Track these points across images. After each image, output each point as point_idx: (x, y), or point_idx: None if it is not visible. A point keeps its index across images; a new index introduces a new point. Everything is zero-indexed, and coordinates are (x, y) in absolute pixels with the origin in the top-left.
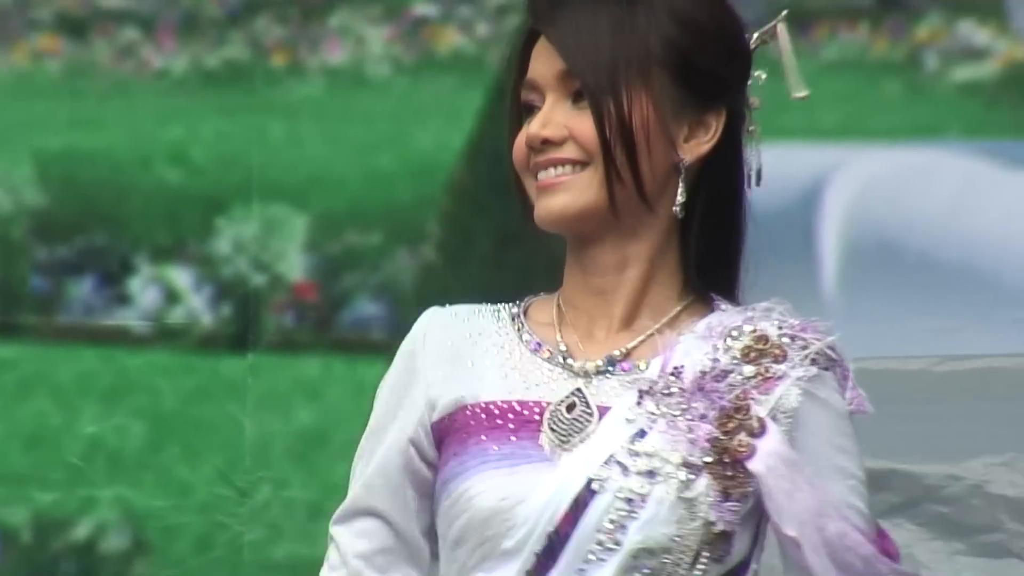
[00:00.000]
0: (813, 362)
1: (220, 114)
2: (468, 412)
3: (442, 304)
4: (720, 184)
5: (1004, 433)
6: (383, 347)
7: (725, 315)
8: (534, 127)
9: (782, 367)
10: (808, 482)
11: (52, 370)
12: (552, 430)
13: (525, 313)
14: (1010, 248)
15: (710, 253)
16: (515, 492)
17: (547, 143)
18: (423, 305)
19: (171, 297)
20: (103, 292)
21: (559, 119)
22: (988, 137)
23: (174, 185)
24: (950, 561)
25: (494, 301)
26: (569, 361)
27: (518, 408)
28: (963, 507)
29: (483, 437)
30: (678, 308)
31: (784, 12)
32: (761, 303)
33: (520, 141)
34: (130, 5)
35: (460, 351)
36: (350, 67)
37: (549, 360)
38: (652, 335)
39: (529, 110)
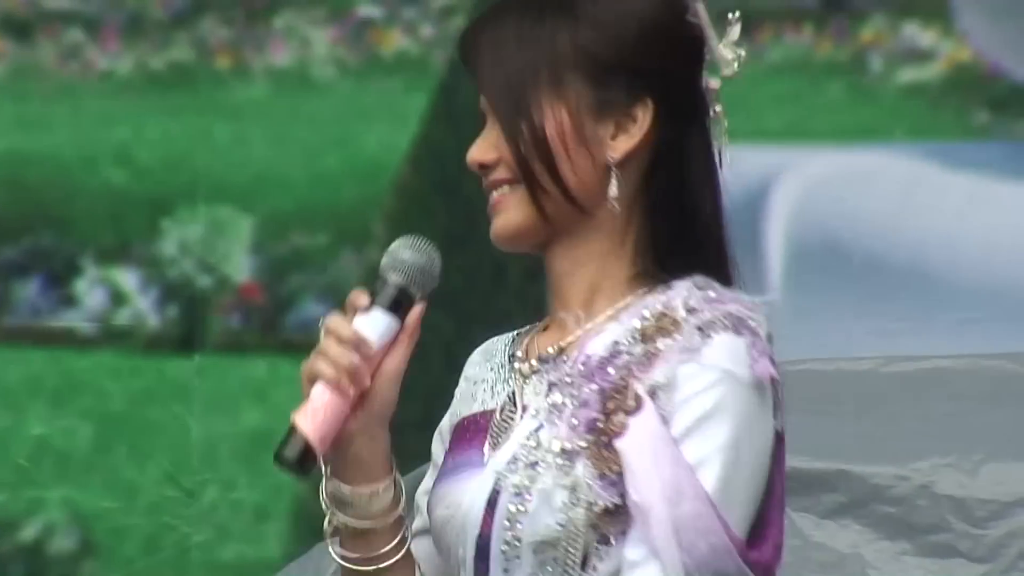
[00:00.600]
0: (700, 330)
1: (165, 115)
2: (457, 429)
3: None
4: (672, 171)
5: (951, 434)
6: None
7: (654, 297)
8: (471, 151)
9: (669, 341)
10: (674, 459)
11: None
12: (491, 435)
13: (545, 328)
14: (956, 249)
15: (677, 239)
16: (455, 500)
17: (483, 167)
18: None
19: (117, 299)
20: (49, 293)
21: (491, 141)
22: (933, 139)
23: (120, 186)
24: (897, 561)
25: (437, 302)
26: (515, 364)
27: (479, 419)
28: (910, 507)
29: (449, 452)
30: (628, 299)
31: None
32: (687, 279)
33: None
34: (74, 6)
35: (474, 376)
36: (295, 69)
37: (511, 366)
38: (586, 330)
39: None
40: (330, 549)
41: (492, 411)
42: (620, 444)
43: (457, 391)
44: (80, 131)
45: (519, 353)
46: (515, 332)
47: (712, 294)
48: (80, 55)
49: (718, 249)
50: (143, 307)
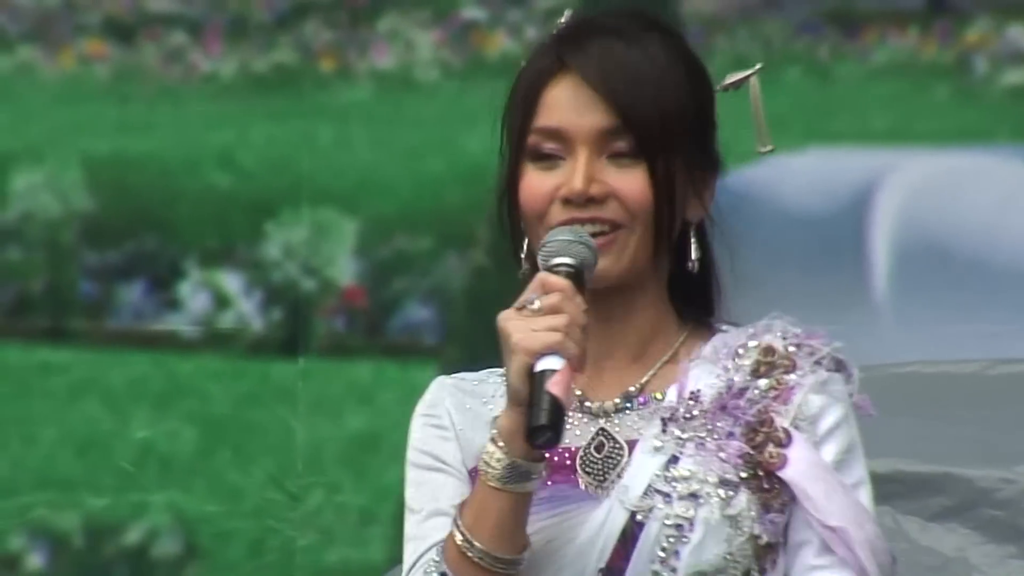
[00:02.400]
0: (820, 365)
1: (269, 118)
2: None
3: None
4: (704, 232)
5: None
6: (434, 351)
7: (728, 336)
8: (579, 182)
9: (794, 376)
10: (842, 485)
11: (103, 375)
12: (587, 472)
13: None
14: None
15: (697, 286)
16: (560, 534)
17: (591, 200)
18: (473, 309)
19: (221, 302)
20: (153, 297)
21: (601, 176)
22: None
23: (223, 190)
24: (1003, 564)
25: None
26: (587, 404)
27: (547, 455)
28: (1016, 510)
29: None
30: (680, 339)
31: (759, 65)
32: (760, 321)
33: (540, 187)
34: (177, 9)
35: (478, 412)
36: (399, 71)
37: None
38: (660, 368)
39: (543, 157)
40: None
41: (565, 448)
42: (787, 475)
43: (457, 426)
44: (183, 134)
45: (576, 391)
46: (500, 372)
47: (798, 331)
48: (183, 58)
49: (710, 292)
50: (247, 310)
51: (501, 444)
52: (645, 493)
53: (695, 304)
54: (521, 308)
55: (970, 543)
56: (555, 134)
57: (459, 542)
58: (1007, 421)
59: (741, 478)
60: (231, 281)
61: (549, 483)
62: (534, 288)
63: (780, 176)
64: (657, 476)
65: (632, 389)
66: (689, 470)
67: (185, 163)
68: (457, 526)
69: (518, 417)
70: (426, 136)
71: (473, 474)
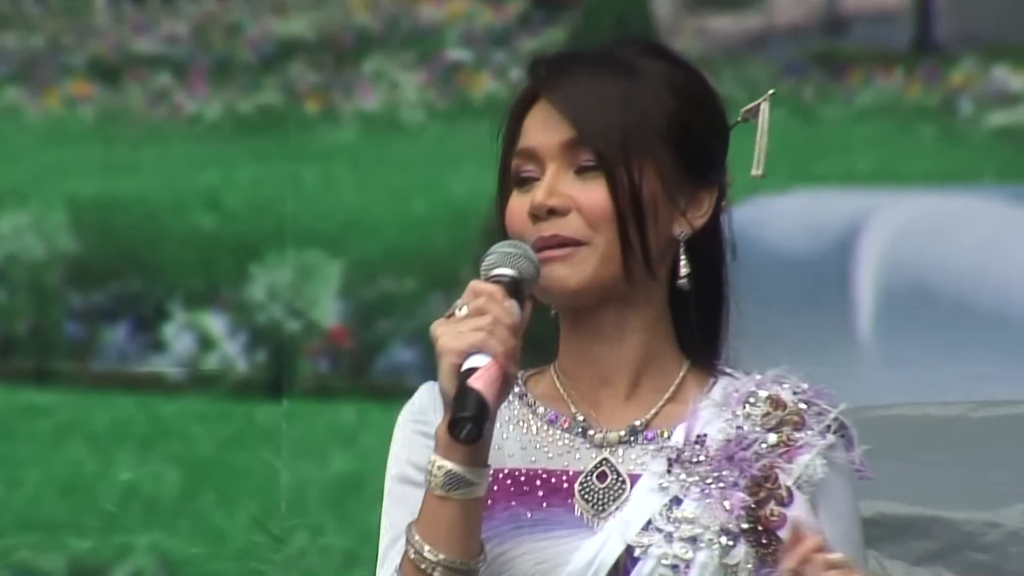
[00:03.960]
0: (828, 428)
1: (254, 160)
2: (491, 478)
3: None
4: (707, 256)
5: None
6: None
7: (738, 381)
8: (540, 196)
9: (802, 435)
10: (833, 549)
11: (87, 417)
12: (585, 500)
13: (527, 388)
14: None
15: (700, 319)
16: (552, 557)
17: (553, 213)
18: None
19: (205, 343)
20: (137, 338)
21: (563, 189)
22: (1023, 182)
23: (208, 231)
24: None
25: (530, 346)
26: (590, 432)
27: (545, 476)
28: (1002, 555)
29: (512, 503)
30: (680, 375)
31: (771, 91)
32: (770, 370)
33: (519, 209)
34: (162, 50)
35: None
36: (384, 112)
37: (568, 431)
38: (665, 404)
39: (523, 181)
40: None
41: (563, 471)
42: (787, 536)
43: (437, 420)
44: (168, 175)
45: (578, 416)
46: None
47: (805, 386)
48: (168, 99)
49: (720, 338)
50: (231, 352)
51: (440, 452)
52: (644, 529)
53: (698, 337)
54: (450, 315)
55: None
56: (529, 154)
57: (412, 557)
58: (992, 464)
59: (741, 529)
60: (216, 323)
61: (544, 504)
62: (465, 296)
63: (765, 217)
64: (659, 515)
65: (638, 423)
66: (692, 513)
67: (170, 204)
68: (410, 541)
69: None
70: (411, 177)
71: None
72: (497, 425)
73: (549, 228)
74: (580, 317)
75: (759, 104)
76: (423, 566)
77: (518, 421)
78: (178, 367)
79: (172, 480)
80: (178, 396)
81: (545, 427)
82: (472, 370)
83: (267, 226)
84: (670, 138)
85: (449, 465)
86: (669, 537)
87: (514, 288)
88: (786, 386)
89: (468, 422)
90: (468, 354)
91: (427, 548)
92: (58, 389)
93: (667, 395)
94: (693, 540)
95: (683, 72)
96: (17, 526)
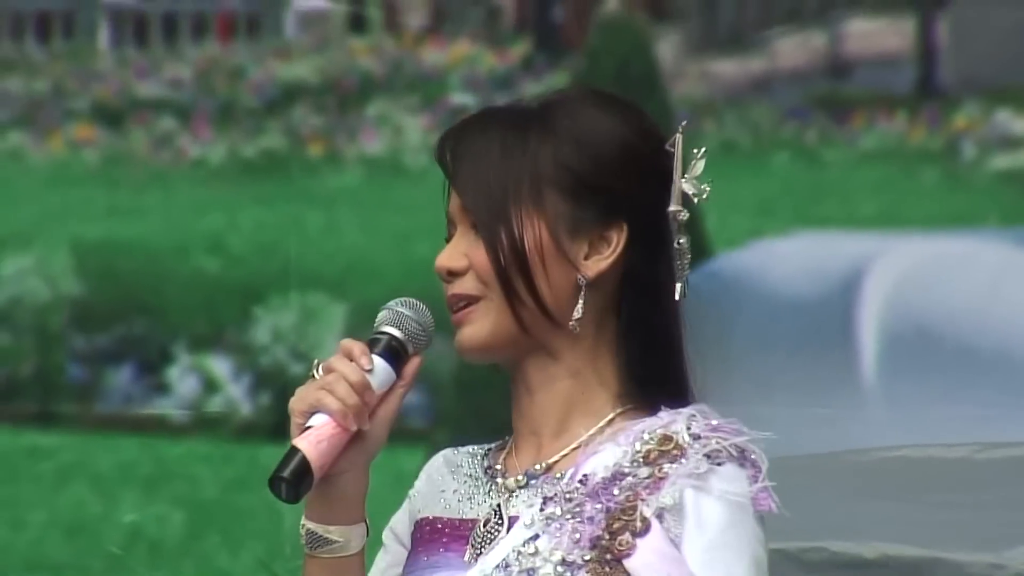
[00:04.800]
0: (708, 457)
1: (258, 203)
2: (419, 526)
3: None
4: (641, 296)
5: None
6: (422, 435)
7: (652, 420)
8: (440, 258)
9: (674, 466)
10: (689, 574)
11: (91, 459)
12: (472, 545)
13: (505, 443)
14: None
15: (650, 362)
16: None
17: (452, 273)
18: (462, 393)
19: (210, 386)
20: (141, 381)
21: (461, 249)
22: None
23: (212, 274)
24: None
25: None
26: (498, 480)
27: (456, 523)
28: None
29: (419, 549)
30: (610, 416)
31: (684, 122)
32: (688, 407)
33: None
34: (166, 94)
35: (439, 482)
36: (387, 156)
37: (491, 479)
38: (576, 448)
39: (448, 243)
40: None
41: (472, 520)
42: (631, 564)
43: (414, 492)
44: (172, 219)
45: (498, 466)
46: (481, 447)
47: (714, 422)
48: (172, 143)
49: (674, 376)
50: (235, 394)
51: (305, 512)
52: (496, 566)
53: (657, 386)
54: (311, 376)
55: None
56: (448, 217)
57: None
58: (996, 505)
59: (584, 560)
60: (220, 365)
61: (441, 549)
62: (347, 347)
63: (768, 260)
64: (513, 550)
65: (537, 467)
66: (537, 547)
67: (174, 247)
68: None
69: None
70: (415, 221)
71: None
72: (450, 478)
73: (451, 288)
74: (512, 372)
75: (675, 137)
76: None
77: (470, 474)
78: (182, 409)
79: (177, 522)
80: (182, 438)
81: (481, 477)
82: (307, 429)
83: (271, 269)
84: (560, 185)
85: (309, 524)
86: (508, 569)
87: (389, 348)
88: (684, 422)
89: (282, 482)
90: (310, 413)
91: None
92: (62, 431)
93: (583, 439)
94: (531, 571)
95: (591, 114)
96: (22, 568)
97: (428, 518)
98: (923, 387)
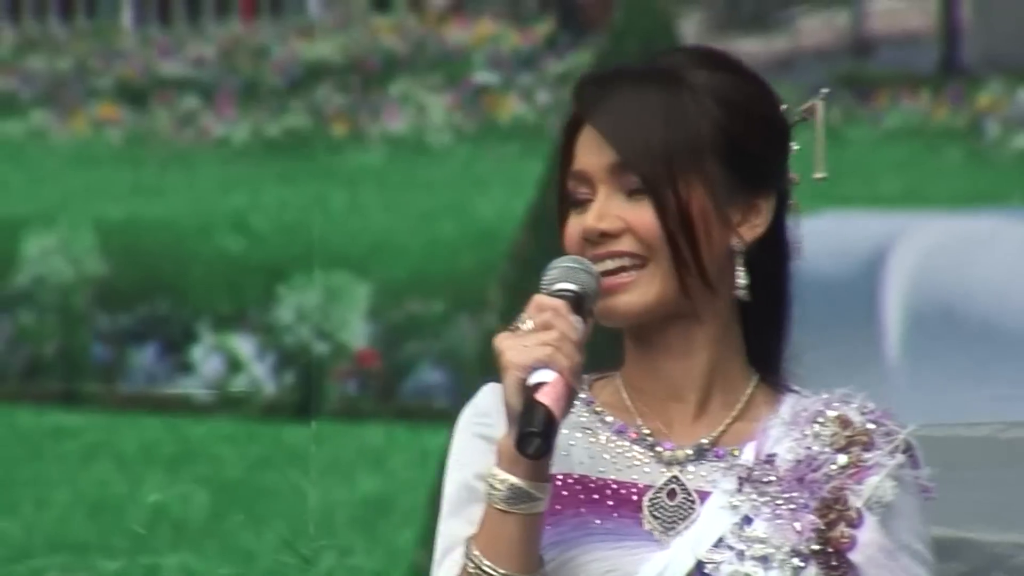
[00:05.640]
0: (894, 447)
1: (281, 182)
2: (559, 483)
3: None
4: (770, 264)
5: None
6: (446, 415)
7: (806, 400)
8: (591, 219)
9: (872, 455)
10: (904, 569)
11: (115, 438)
12: (655, 516)
13: (604, 397)
14: None
15: (766, 331)
16: (622, 566)
17: (605, 236)
18: (486, 372)
19: (233, 365)
20: (165, 361)
21: (615, 212)
22: None
23: (236, 254)
24: None
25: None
26: (658, 448)
27: (615, 486)
28: None
29: (582, 510)
30: (749, 390)
31: (825, 90)
32: (838, 390)
33: (573, 233)
34: (190, 73)
35: None
36: (410, 135)
37: (637, 443)
38: (734, 422)
39: (578, 203)
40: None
41: (633, 484)
42: (856, 558)
43: (494, 433)
44: (196, 198)
45: (645, 431)
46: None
47: (875, 407)
48: (195, 122)
49: (783, 346)
50: (259, 374)
51: (504, 466)
52: (715, 546)
53: (764, 350)
54: (514, 329)
55: None
56: (581, 176)
57: (472, 571)
58: (1021, 485)
59: (811, 551)
60: (243, 345)
61: (614, 515)
62: (529, 310)
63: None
64: (731, 533)
65: (705, 441)
66: (764, 533)
67: (197, 227)
68: (469, 556)
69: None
70: (438, 200)
71: None
72: (564, 430)
73: (603, 248)
74: (645, 333)
75: (812, 105)
76: None
77: (585, 428)
78: (206, 389)
79: (200, 501)
80: (206, 418)
81: (614, 437)
82: (538, 385)
83: (294, 248)
84: (718, 150)
85: (513, 479)
86: (740, 555)
87: (576, 303)
88: (853, 406)
89: (536, 437)
90: (533, 369)
91: (487, 563)
92: (86, 411)
93: (735, 412)
94: (764, 559)
95: (731, 78)
96: (46, 547)
97: (572, 475)
98: (947, 366)
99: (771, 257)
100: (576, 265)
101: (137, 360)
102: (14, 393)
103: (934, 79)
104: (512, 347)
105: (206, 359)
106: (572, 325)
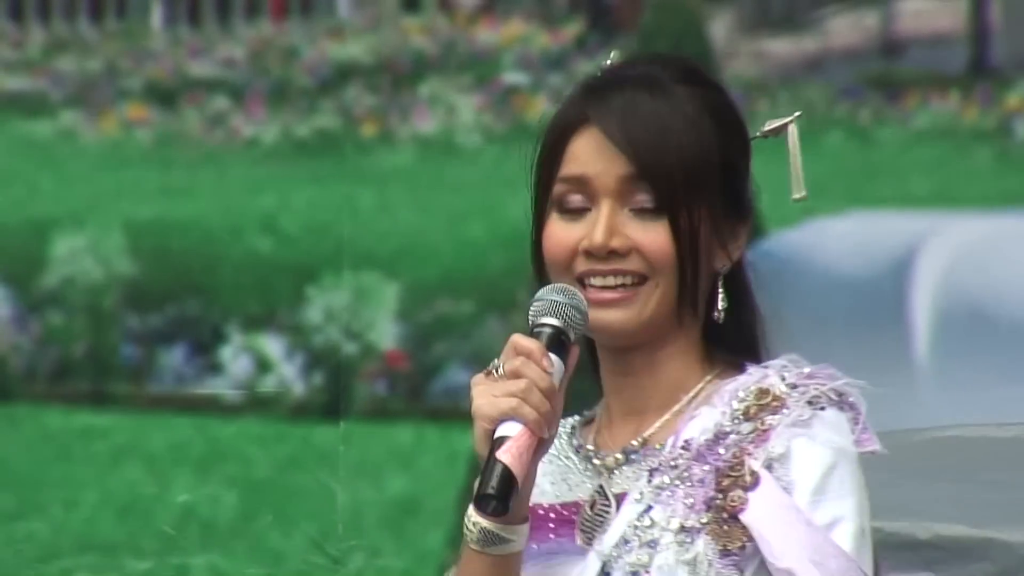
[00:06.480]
0: (810, 404)
1: (310, 183)
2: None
3: None
4: (740, 281)
5: None
6: None
7: (744, 379)
8: (600, 235)
9: (777, 417)
10: (806, 522)
11: (144, 439)
12: (582, 530)
13: (590, 420)
14: None
15: (737, 332)
16: None
17: (612, 254)
18: None
19: (263, 366)
20: (194, 361)
21: (625, 229)
22: None
23: (265, 254)
24: None
25: (585, 368)
26: (595, 461)
27: (560, 509)
28: None
29: (530, 539)
30: (700, 385)
31: (797, 113)
32: (777, 360)
33: (564, 239)
34: (219, 74)
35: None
36: (440, 136)
37: (584, 460)
38: (672, 417)
39: (570, 210)
40: None
41: (574, 503)
42: (746, 518)
43: None
44: (225, 199)
45: (589, 446)
46: (562, 425)
47: (807, 370)
48: (225, 123)
49: (750, 332)
50: (288, 374)
51: (476, 508)
52: (615, 544)
53: (733, 348)
54: (489, 372)
55: None
56: (579, 181)
57: None
58: None
59: (702, 523)
60: (273, 345)
61: (551, 536)
62: (505, 351)
63: (822, 240)
64: (630, 526)
65: (634, 443)
66: (653, 518)
67: (227, 227)
68: None
69: None
70: (467, 201)
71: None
72: (544, 459)
73: (606, 265)
74: (619, 351)
75: (785, 124)
76: None
77: (558, 455)
78: (235, 389)
79: (229, 502)
80: (235, 418)
81: (573, 458)
82: (502, 440)
83: (324, 249)
84: (721, 177)
85: (483, 523)
86: (633, 545)
87: (556, 340)
88: (786, 373)
89: (492, 499)
90: (501, 421)
91: None
92: (115, 411)
93: (675, 408)
94: (652, 544)
95: (721, 96)
96: (75, 548)
97: (535, 506)
98: (976, 366)
99: (740, 274)
100: (564, 300)
101: (166, 361)
102: (43, 394)
103: (964, 80)
104: (481, 394)
105: (235, 359)
106: (543, 372)
